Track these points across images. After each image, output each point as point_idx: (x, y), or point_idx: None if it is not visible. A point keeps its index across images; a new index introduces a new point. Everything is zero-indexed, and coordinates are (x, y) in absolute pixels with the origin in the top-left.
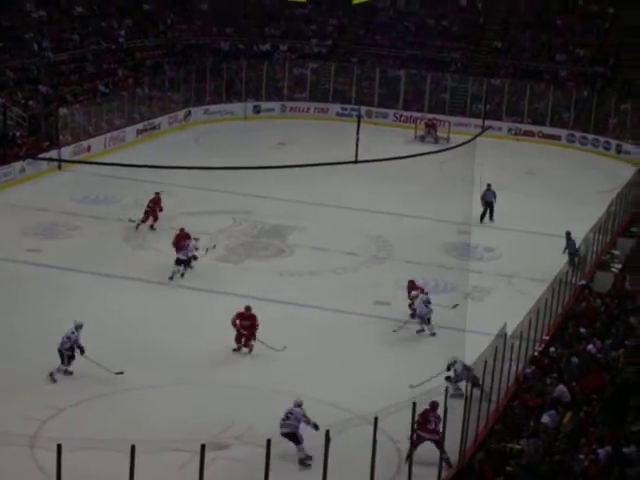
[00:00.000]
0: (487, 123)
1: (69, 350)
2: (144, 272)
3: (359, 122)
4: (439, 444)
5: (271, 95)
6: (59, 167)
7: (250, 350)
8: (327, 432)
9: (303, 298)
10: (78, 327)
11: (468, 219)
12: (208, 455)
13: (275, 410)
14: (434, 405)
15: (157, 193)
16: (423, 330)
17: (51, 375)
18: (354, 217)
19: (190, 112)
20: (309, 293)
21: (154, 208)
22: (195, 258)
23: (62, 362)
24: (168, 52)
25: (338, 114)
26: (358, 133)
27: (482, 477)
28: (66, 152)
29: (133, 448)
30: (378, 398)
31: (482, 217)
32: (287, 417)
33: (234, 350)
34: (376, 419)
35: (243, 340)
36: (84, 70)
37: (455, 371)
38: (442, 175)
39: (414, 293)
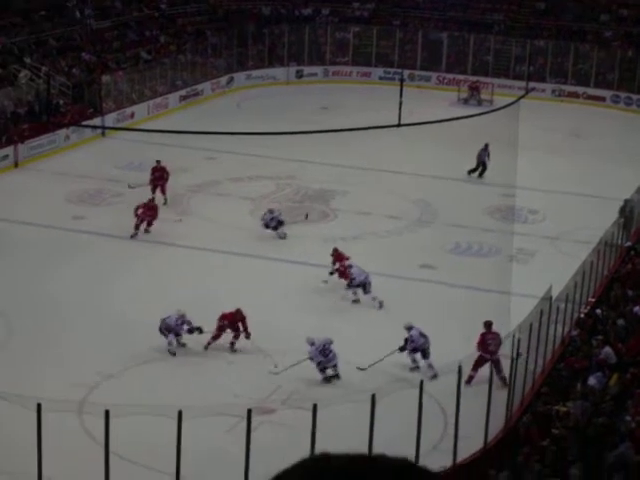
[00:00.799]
0: (531, 85)
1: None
2: (187, 238)
3: (402, 85)
4: (497, 363)
5: (313, 59)
6: (103, 134)
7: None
8: (373, 395)
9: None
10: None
11: (512, 182)
12: (254, 419)
13: (318, 374)
14: (489, 325)
15: (158, 161)
16: (358, 300)
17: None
18: (397, 181)
19: (233, 78)
20: (353, 257)
21: (157, 176)
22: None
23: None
24: (210, 18)
25: (381, 78)
26: (401, 96)
27: (528, 440)
28: (109, 119)
29: (180, 413)
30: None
31: (471, 171)
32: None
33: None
34: (422, 382)
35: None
36: (126, 37)
37: (411, 337)
38: (486, 138)
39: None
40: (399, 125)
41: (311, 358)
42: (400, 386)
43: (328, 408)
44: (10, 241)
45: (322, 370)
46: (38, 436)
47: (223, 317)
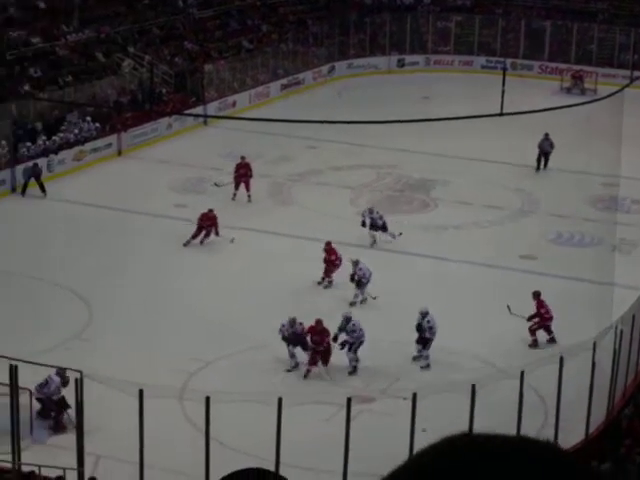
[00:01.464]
0: (635, 73)
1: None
2: (288, 227)
3: (504, 75)
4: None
5: (415, 48)
6: (205, 123)
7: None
8: (473, 386)
9: (447, 252)
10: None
11: (616, 171)
12: (354, 408)
13: (418, 364)
14: (538, 294)
15: (243, 157)
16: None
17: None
18: (499, 170)
19: (334, 67)
20: (453, 247)
21: (242, 173)
22: None
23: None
24: (311, 7)
25: (483, 67)
26: (503, 86)
27: (631, 432)
28: (211, 108)
29: (280, 400)
30: (522, 353)
31: (538, 164)
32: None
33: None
34: (522, 373)
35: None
36: (229, 26)
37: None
38: (588, 127)
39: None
40: (501, 114)
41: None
42: (499, 376)
43: (427, 398)
44: (110, 228)
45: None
46: (140, 422)
47: (309, 330)
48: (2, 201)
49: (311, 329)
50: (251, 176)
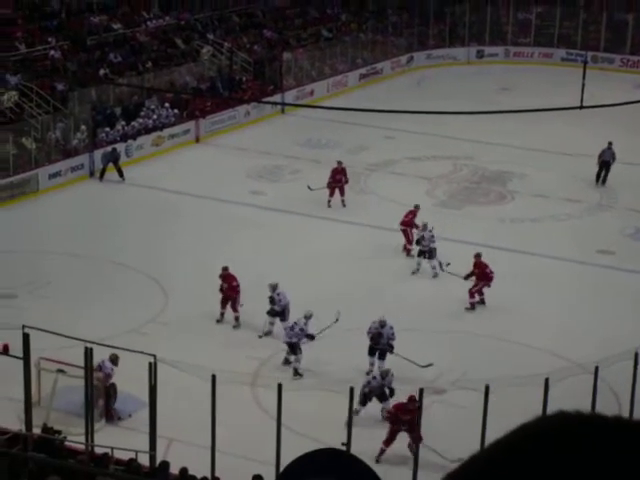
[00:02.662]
0: None
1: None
2: (365, 216)
3: (585, 67)
4: None
5: (494, 40)
6: (282, 111)
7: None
8: (546, 379)
9: (524, 245)
10: (308, 317)
11: None
12: (426, 399)
13: (490, 356)
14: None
15: (339, 162)
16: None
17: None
18: (577, 164)
19: (413, 57)
20: (530, 240)
21: (338, 179)
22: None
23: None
24: None
25: (563, 59)
26: (584, 78)
27: None
28: (289, 96)
29: (352, 390)
30: (597, 348)
31: (597, 177)
32: (292, 327)
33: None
34: (597, 368)
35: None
36: (308, 15)
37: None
38: None
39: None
40: (581, 107)
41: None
42: (573, 371)
43: (498, 391)
44: (187, 214)
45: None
46: (212, 407)
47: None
48: (81, 185)
49: (398, 406)
50: (347, 182)
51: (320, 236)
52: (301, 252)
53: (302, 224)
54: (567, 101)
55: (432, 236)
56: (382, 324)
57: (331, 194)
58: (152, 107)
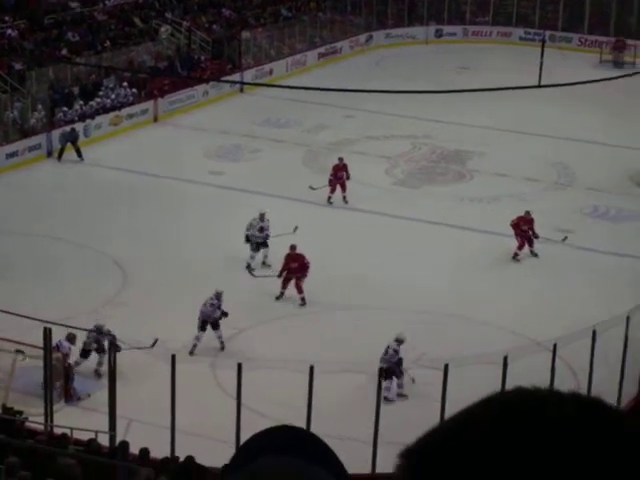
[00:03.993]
0: None
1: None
2: (323, 196)
3: (543, 46)
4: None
5: (453, 19)
6: (241, 90)
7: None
8: (505, 358)
9: (483, 224)
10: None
11: None
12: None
13: (451, 334)
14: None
15: (340, 158)
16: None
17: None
18: (535, 143)
19: (372, 36)
20: (489, 219)
21: (339, 176)
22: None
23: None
24: None
25: (521, 38)
26: (542, 57)
27: None
28: (248, 75)
29: (312, 368)
30: (556, 326)
31: None
32: (386, 352)
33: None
34: (555, 346)
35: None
36: None
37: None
38: (628, 100)
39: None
40: (539, 86)
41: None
42: (532, 348)
43: (458, 369)
44: (146, 194)
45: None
46: (172, 387)
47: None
48: (39, 166)
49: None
50: (348, 178)
51: (279, 215)
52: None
53: (261, 203)
54: (525, 80)
55: (266, 227)
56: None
57: (332, 190)
58: (110, 86)
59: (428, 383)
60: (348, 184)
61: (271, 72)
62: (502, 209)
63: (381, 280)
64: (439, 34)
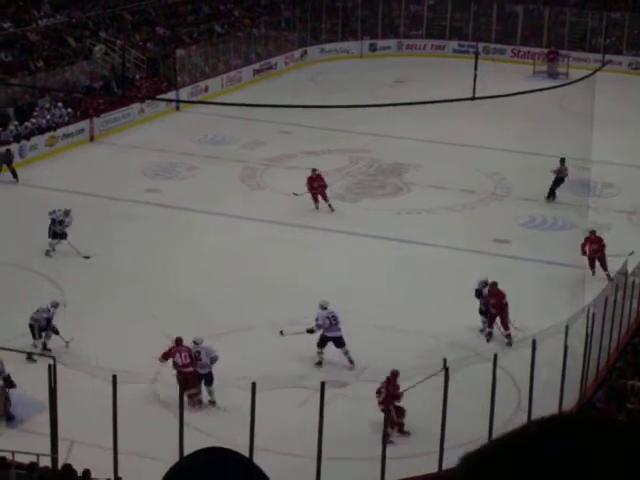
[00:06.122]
0: (607, 57)
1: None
2: (261, 212)
3: (476, 59)
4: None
5: (387, 33)
6: (177, 108)
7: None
8: (446, 369)
9: (420, 236)
10: (54, 305)
11: (587, 155)
12: (328, 392)
13: (393, 348)
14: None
15: (314, 170)
16: None
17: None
18: (471, 154)
19: (306, 51)
20: (426, 231)
21: (316, 186)
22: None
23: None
24: None
25: (455, 51)
26: (476, 70)
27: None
28: (184, 93)
29: (254, 385)
30: (497, 337)
31: (550, 193)
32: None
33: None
34: (495, 356)
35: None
36: (200, 11)
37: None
38: (561, 111)
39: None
40: (474, 98)
41: (318, 325)
42: (473, 359)
43: (405, 381)
44: (82, 213)
45: (322, 342)
46: (114, 408)
47: None
48: None
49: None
50: (326, 186)
51: (217, 232)
52: (195, 247)
53: (197, 220)
54: (460, 92)
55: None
56: None
57: (315, 201)
58: (45, 107)
59: (369, 397)
60: (328, 192)
61: (207, 89)
62: (439, 221)
63: (317, 292)
64: (373, 48)
